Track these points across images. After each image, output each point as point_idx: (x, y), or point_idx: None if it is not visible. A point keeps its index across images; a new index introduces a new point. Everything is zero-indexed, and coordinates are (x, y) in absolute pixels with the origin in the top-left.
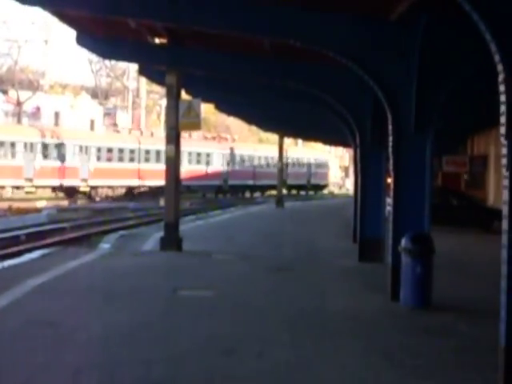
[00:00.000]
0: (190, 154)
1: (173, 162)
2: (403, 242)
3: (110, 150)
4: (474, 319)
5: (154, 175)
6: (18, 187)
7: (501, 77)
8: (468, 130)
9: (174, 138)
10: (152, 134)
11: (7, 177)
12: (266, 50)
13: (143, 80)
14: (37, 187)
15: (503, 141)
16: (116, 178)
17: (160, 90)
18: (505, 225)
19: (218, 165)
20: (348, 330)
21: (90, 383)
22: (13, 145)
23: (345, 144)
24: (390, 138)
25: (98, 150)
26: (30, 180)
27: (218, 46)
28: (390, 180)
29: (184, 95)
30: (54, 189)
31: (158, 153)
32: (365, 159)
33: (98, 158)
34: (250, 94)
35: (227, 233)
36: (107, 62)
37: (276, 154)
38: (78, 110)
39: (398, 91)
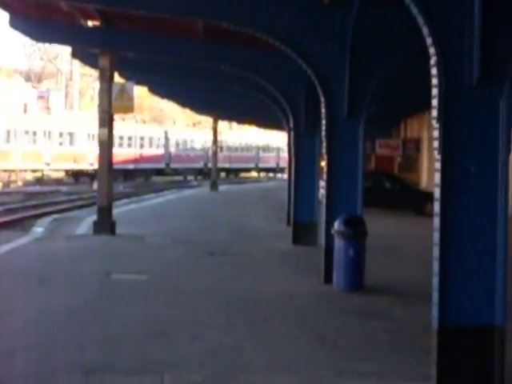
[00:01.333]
0: (177, 140)
1: (106, 146)
2: (336, 224)
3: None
4: (406, 302)
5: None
6: None
7: (433, 60)
8: (401, 113)
9: (107, 122)
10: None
11: None
12: (199, 32)
13: (76, 63)
14: None
15: (435, 124)
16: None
17: (93, 72)
18: (437, 207)
19: (198, 150)
20: (282, 312)
21: (24, 366)
22: None
23: (279, 127)
24: (324, 122)
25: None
26: None
27: (152, 28)
28: (323, 163)
29: (117, 78)
30: None
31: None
32: (298, 142)
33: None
34: (183, 77)
35: (161, 216)
36: (40, 44)
37: (246, 140)
38: (11, 93)
39: (331, 75)
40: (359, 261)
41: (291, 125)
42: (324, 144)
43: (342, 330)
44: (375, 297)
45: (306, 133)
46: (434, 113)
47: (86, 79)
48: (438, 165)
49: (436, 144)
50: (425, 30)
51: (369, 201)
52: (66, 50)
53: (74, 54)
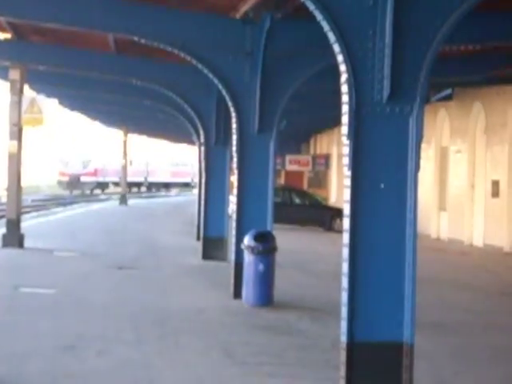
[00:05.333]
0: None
1: (15, 159)
2: (246, 239)
3: None
4: (316, 317)
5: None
6: None
7: (343, 77)
8: (311, 129)
9: (16, 134)
10: None
11: None
12: (110, 45)
13: None
14: None
15: (345, 140)
16: None
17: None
18: (346, 224)
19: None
20: (190, 327)
21: None
22: None
23: (190, 142)
24: (234, 137)
25: None
26: None
27: (63, 41)
28: (233, 178)
29: (28, 91)
30: None
31: None
32: (209, 157)
33: None
34: (94, 90)
35: (69, 230)
36: None
37: None
38: None
39: (242, 90)
40: (268, 276)
41: (202, 139)
42: (235, 159)
43: (251, 345)
44: (284, 312)
45: (216, 148)
46: (345, 129)
47: None
48: (347, 181)
49: (346, 160)
50: (336, 48)
51: (278, 216)
52: None
53: None
